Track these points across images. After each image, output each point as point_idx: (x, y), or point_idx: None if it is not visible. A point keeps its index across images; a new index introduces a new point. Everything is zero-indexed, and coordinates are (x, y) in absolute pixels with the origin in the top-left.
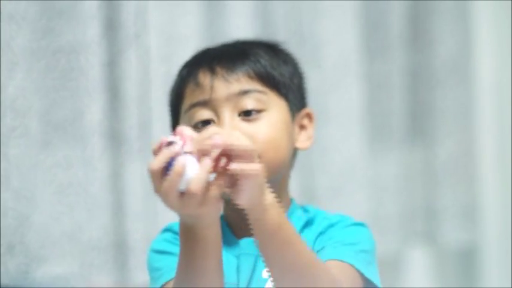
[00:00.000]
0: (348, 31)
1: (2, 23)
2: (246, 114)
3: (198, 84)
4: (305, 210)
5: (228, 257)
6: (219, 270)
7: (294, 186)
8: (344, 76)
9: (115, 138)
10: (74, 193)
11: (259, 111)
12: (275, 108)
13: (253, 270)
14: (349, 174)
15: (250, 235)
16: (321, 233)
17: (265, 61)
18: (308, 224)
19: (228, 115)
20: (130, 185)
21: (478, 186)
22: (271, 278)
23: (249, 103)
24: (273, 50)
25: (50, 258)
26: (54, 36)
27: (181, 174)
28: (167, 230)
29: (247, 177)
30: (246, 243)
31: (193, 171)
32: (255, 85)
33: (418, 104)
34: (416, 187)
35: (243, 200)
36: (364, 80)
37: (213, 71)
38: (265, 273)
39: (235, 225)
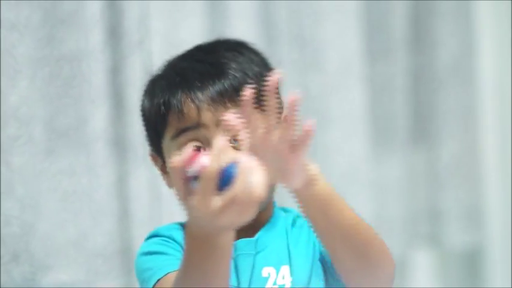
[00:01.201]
0: (350, 34)
1: (4, 31)
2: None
3: (182, 112)
4: (285, 210)
5: None
6: (229, 270)
7: None
8: (346, 78)
9: (119, 144)
10: (79, 200)
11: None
12: None
13: (253, 270)
14: (352, 176)
15: (243, 236)
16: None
17: (242, 74)
18: (294, 222)
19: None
20: (135, 192)
21: (481, 187)
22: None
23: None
24: (242, 54)
25: (55, 266)
26: (57, 44)
27: (247, 181)
28: (152, 236)
29: (306, 139)
30: (242, 243)
31: (257, 178)
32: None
33: (421, 105)
34: (419, 189)
35: (296, 179)
36: (366, 82)
37: (197, 100)
38: (264, 272)
39: None
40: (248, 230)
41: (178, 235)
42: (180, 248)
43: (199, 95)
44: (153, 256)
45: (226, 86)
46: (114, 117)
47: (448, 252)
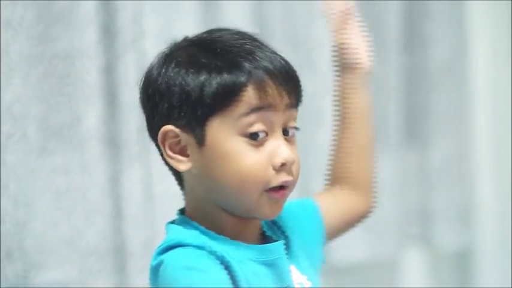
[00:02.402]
0: None
1: None
2: (285, 133)
3: (264, 90)
4: None
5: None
6: None
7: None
8: None
9: (113, 143)
10: (72, 198)
11: (296, 129)
12: None
13: (289, 271)
14: None
15: (254, 239)
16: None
17: (300, 81)
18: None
19: (281, 131)
20: (128, 190)
21: (472, 188)
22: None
23: (292, 121)
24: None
25: (48, 264)
26: (51, 42)
27: None
28: (198, 247)
29: None
30: (276, 247)
31: None
32: (296, 102)
33: (413, 106)
34: (411, 189)
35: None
36: None
37: (276, 79)
38: (292, 271)
39: (239, 232)
40: (255, 235)
41: (214, 246)
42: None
43: (279, 76)
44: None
45: (291, 68)
46: (108, 116)
47: (439, 252)
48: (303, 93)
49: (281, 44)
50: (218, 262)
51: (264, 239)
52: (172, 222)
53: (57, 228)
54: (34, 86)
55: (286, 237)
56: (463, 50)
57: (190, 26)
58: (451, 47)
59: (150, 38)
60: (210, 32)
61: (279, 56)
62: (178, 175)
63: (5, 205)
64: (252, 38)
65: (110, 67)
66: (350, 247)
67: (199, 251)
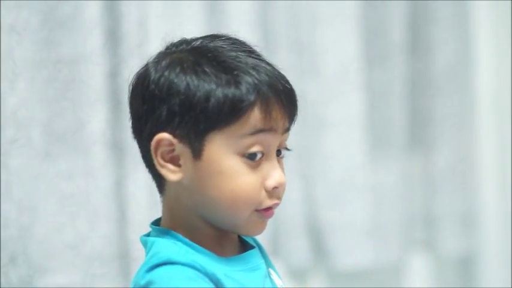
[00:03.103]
0: (348, 40)
1: (3, 34)
2: (278, 152)
3: (271, 113)
4: None
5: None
6: None
7: (295, 195)
8: (343, 84)
9: (117, 148)
10: (76, 203)
11: (286, 149)
12: None
13: (267, 275)
14: (349, 182)
15: (233, 249)
16: None
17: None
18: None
19: (275, 153)
20: (133, 195)
21: (476, 193)
22: None
23: (285, 142)
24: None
25: (52, 268)
26: (55, 47)
27: None
28: (188, 265)
29: None
30: (254, 253)
31: None
32: (291, 124)
33: (417, 112)
34: (415, 195)
35: None
36: (363, 88)
37: (282, 102)
38: (272, 274)
39: (219, 245)
40: (234, 246)
41: (203, 263)
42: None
43: (284, 99)
44: None
45: (294, 94)
46: (112, 121)
47: (443, 257)
48: (307, 100)
49: (285, 49)
50: (209, 281)
51: (242, 246)
52: (148, 235)
53: (61, 232)
54: (38, 91)
55: (257, 244)
56: (467, 54)
57: (195, 31)
58: (455, 52)
59: (155, 42)
60: (211, 38)
61: (281, 74)
62: (159, 181)
63: (9, 210)
64: (257, 54)
65: (114, 72)
66: (354, 252)
67: (191, 271)
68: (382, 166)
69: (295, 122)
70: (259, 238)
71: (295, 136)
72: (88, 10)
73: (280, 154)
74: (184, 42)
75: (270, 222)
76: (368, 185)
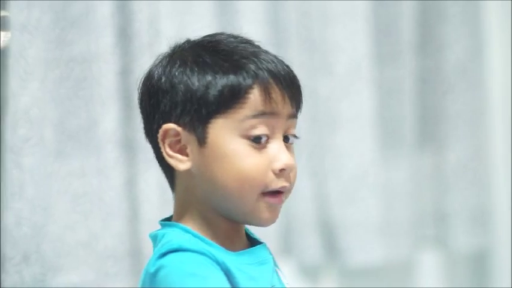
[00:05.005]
0: (359, 37)
1: (15, 33)
2: (285, 139)
3: (270, 95)
4: None
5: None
6: None
7: (307, 192)
8: (355, 82)
9: (129, 146)
10: (89, 202)
11: (295, 137)
12: None
13: (277, 272)
14: (360, 179)
15: (245, 246)
16: None
17: (301, 89)
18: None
19: (281, 136)
20: (145, 193)
21: (488, 190)
22: None
23: (293, 129)
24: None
25: (65, 267)
26: (67, 46)
27: None
28: (199, 252)
29: None
30: (265, 249)
31: None
32: (297, 111)
33: (429, 109)
34: (427, 192)
35: None
36: (375, 85)
37: (282, 86)
38: (279, 272)
39: (229, 238)
40: (242, 242)
41: (212, 251)
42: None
43: (284, 80)
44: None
45: (297, 79)
46: (124, 119)
47: (455, 254)
48: (318, 97)
49: (297, 47)
50: (219, 268)
51: (250, 244)
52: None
53: (74, 231)
54: (51, 90)
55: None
56: (478, 51)
57: (205, 29)
58: (466, 49)
59: (166, 41)
60: (212, 35)
61: (284, 63)
62: (171, 176)
63: (22, 208)
64: (256, 45)
65: (126, 70)
66: (366, 249)
67: (202, 257)
68: (394, 163)
69: (309, 119)
70: (271, 235)
71: (307, 133)
72: (100, 9)
73: (289, 140)
74: (186, 41)
75: (281, 219)
76: (379, 182)
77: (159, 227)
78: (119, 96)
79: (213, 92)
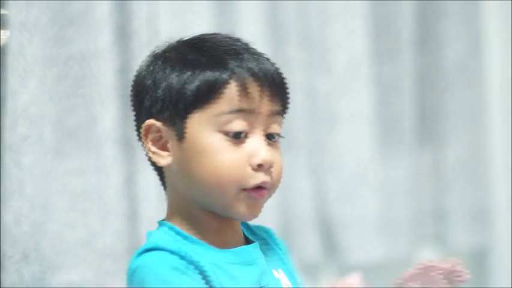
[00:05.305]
0: (358, 35)
1: (13, 32)
2: (269, 137)
3: (247, 91)
4: None
5: (239, 268)
6: None
7: (306, 190)
8: (354, 80)
9: (128, 144)
10: (88, 200)
11: (279, 136)
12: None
13: (270, 272)
14: (359, 177)
15: (236, 243)
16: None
17: (287, 88)
18: (254, 234)
19: (262, 133)
20: (144, 192)
21: (487, 188)
22: None
23: (276, 127)
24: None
25: (64, 265)
26: (66, 44)
27: None
28: (172, 252)
29: None
30: (253, 248)
31: None
32: (282, 108)
33: (428, 106)
34: (426, 189)
35: None
36: (373, 83)
37: (261, 83)
38: (275, 274)
39: (218, 234)
40: (236, 239)
41: (189, 251)
42: (199, 278)
43: (264, 80)
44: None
45: (280, 76)
46: (123, 118)
47: (454, 252)
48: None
49: (296, 45)
50: (193, 269)
51: (247, 242)
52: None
53: (73, 229)
54: (49, 88)
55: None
56: (477, 49)
57: (204, 28)
58: (466, 46)
59: (165, 39)
60: (203, 34)
61: (270, 62)
62: (161, 175)
63: (22, 207)
64: (244, 43)
65: (125, 69)
66: (365, 247)
67: (176, 260)
68: (393, 161)
69: (308, 117)
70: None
71: (305, 131)
72: (98, 7)
73: (273, 138)
74: (176, 41)
75: (280, 217)
76: (379, 179)
77: (157, 224)
78: (118, 94)
79: (190, 87)
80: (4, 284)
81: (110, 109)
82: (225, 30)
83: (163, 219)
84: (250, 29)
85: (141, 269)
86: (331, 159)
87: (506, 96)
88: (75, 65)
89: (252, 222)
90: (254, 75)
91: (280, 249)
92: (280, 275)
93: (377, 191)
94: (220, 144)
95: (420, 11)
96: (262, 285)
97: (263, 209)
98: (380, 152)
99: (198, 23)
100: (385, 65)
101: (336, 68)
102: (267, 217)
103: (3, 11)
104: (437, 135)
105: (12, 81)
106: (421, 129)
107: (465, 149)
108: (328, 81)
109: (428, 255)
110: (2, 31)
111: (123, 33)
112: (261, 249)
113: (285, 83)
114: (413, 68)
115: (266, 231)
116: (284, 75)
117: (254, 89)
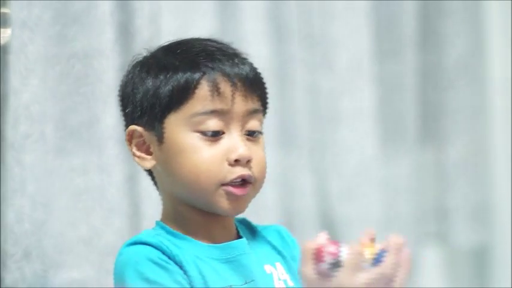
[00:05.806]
0: (360, 33)
1: (15, 30)
2: (249, 133)
3: (219, 91)
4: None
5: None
6: None
7: (308, 188)
8: (356, 78)
9: None
10: (90, 198)
11: (259, 132)
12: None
13: (258, 268)
14: (362, 175)
15: (226, 239)
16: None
17: (265, 84)
18: (253, 231)
19: (239, 130)
20: (146, 190)
21: (489, 186)
22: None
23: (255, 124)
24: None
25: (66, 263)
26: (68, 42)
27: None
28: (152, 245)
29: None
30: (239, 244)
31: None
32: (260, 106)
33: (430, 104)
34: (428, 187)
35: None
36: (376, 81)
37: (233, 83)
38: (267, 269)
39: (206, 230)
40: (226, 235)
41: (171, 246)
42: (180, 271)
43: (237, 82)
44: (164, 273)
45: (255, 75)
46: None
47: (456, 250)
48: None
49: (298, 43)
50: (172, 262)
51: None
52: None
53: (75, 227)
54: (51, 86)
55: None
56: (479, 47)
57: (206, 26)
58: (467, 45)
59: (167, 38)
60: (184, 38)
61: (247, 62)
62: (152, 178)
63: (24, 205)
64: (221, 44)
65: (127, 67)
66: None
67: (152, 250)
68: (395, 159)
69: (310, 115)
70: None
71: (308, 129)
72: (100, 5)
73: (254, 134)
74: (157, 47)
75: (283, 215)
76: (381, 178)
77: None
78: None
79: (163, 90)
80: (6, 282)
81: (112, 107)
82: (227, 28)
83: (159, 219)
84: (253, 28)
85: (122, 260)
86: (333, 157)
87: (508, 95)
88: (77, 64)
89: (258, 221)
90: (225, 75)
91: (290, 247)
92: (274, 271)
93: (379, 189)
94: (197, 143)
95: (422, 9)
96: (246, 280)
97: (266, 207)
98: (382, 150)
99: (200, 22)
100: (387, 64)
101: (338, 66)
102: (269, 215)
103: (4, 10)
104: (440, 133)
105: (14, 79)
106: (423, 127)
107: (467, 147)
108: (331, 80)
109: (430, 254)
110: (3, 29)
111: (125, 32)
112: (257, 245)
113: (262, 82)
114: (416, 67)
115: (276, 229)
116: (261, 74)
117: (226, 88)
